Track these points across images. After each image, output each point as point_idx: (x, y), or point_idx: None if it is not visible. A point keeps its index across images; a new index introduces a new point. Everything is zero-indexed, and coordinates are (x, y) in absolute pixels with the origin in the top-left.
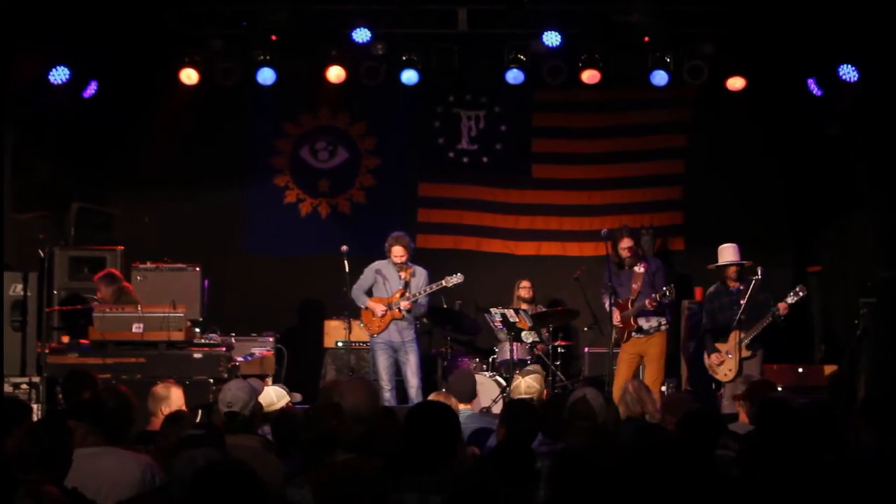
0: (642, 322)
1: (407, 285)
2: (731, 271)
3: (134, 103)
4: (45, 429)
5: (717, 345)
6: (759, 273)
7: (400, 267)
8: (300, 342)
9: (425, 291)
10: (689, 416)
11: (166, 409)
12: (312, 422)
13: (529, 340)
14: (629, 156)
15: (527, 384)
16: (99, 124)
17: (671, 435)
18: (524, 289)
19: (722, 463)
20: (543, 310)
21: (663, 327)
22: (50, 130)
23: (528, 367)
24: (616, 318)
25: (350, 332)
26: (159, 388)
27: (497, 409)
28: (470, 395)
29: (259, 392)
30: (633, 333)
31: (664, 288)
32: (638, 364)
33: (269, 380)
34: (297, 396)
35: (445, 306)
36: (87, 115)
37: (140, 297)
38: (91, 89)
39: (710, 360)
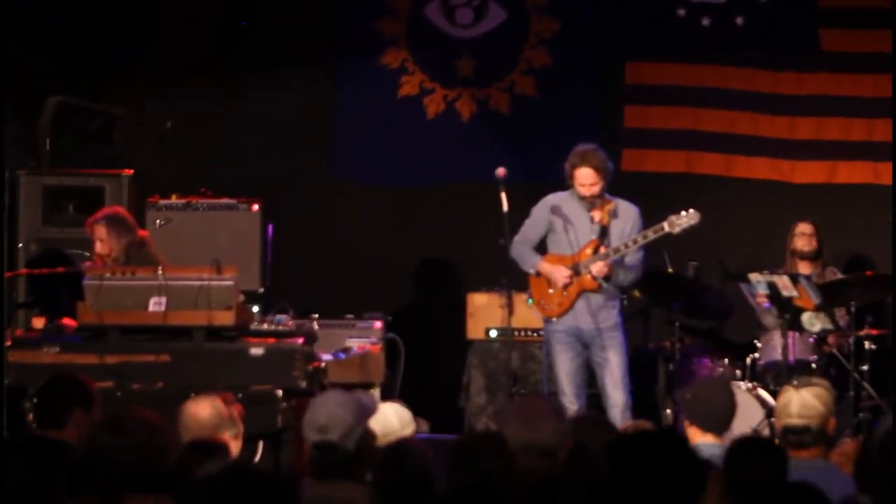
0: None
1: (604, 233)
2: None
3: None
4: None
5: None
6: None
7: (591, 203)
8: (425, 330)
9: (635, 243)
10: None
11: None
12: (461, 460)
13: (816, 328)
14: None
15: (802, 401)
16: None
17: None
18: (803, 236)
19: None
20: (839, 276)
21: None
22: None
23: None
24: None
25: (511, 314)
26: (206, 408)
27: None
28: (723, 421)
29: (371, 412)
30: None
31: None
32: None
33: (377, 392)
34: (423, 424)
35: (671, 270)
36: None
37: (162, 255)
38: None
39: None
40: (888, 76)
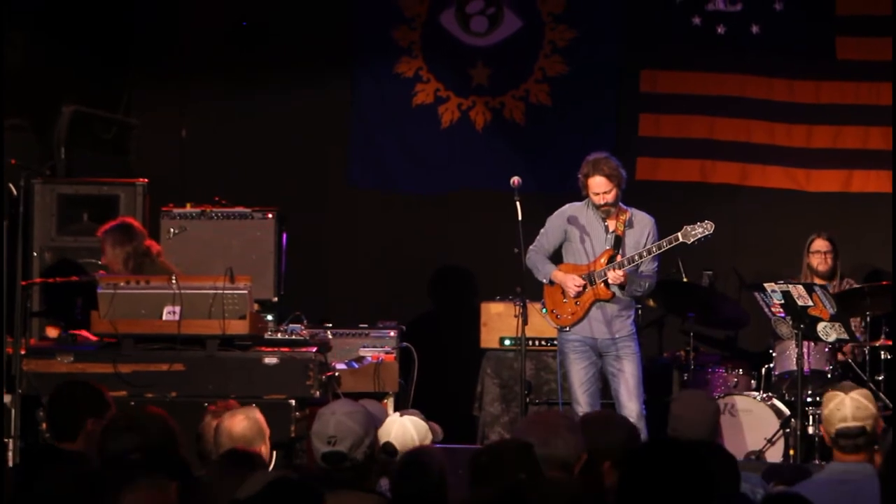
0: None
1: (619, 242)
2: None
3: None
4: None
5: None
6: None
7: (606, 212)
8: (439, 339)
9: (650, 253)
10: None
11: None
12: (484, 471)
13: (831, 338)
14: None
15: (856, 403)
16: None
17: None
18: (818, 254)
19: None
20: (854, 286)
21: None
22: None
23: (844, 383)
24: None
25: (525, 323)
26: (236, 420)
27: (775, 454)
28: (704, 431)
29: (380, 422)
30: None
31: None
32: None
33: (390, 402)
34: (437, 430)
35: (686, 279)
36: None
37: (175, 265)
38: None
39: None
40: None
